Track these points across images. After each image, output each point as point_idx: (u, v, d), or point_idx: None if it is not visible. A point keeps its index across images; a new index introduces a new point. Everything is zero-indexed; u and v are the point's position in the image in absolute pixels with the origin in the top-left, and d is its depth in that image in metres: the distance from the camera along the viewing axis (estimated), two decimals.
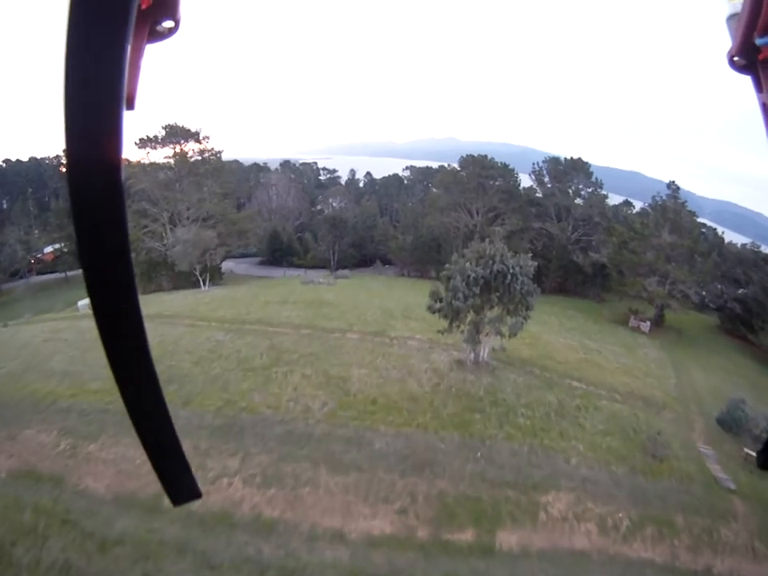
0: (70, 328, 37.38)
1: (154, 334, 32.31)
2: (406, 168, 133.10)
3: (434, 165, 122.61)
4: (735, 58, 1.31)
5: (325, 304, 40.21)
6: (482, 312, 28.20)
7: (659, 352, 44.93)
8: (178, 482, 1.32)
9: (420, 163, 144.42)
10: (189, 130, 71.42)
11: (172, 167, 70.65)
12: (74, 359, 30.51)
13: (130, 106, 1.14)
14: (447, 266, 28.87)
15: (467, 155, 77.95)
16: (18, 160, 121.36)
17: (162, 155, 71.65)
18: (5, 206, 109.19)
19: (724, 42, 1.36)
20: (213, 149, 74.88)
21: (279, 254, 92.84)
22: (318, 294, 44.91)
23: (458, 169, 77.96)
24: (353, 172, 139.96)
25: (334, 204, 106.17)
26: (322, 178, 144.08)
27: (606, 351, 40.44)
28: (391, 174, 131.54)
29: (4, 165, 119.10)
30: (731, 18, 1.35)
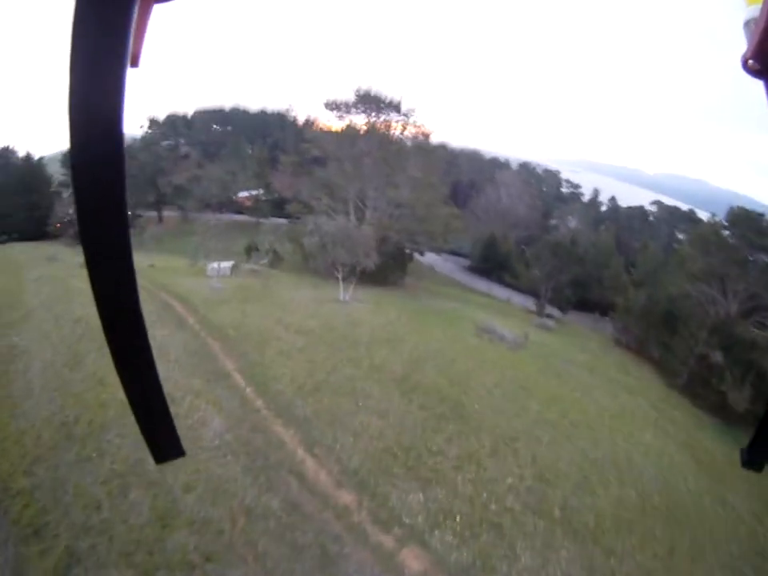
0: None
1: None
2: (653, 203, 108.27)
3: (683, 207, 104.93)
4: (750, 62, 1.26)
5: (465, 421, 19.97)
6: None
7: None
8: (162, 439, 1.28)
9: (667, 200, 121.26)
10: (383, 99, 55.03)
11: (356, 138, 54.72)
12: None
13: (135, 64, 1.21)
14: None
15: (737, 207, 52.91)
16: (244, 109, 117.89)
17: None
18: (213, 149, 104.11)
19: None
20: (420, 126, 57.63)
21: (491, 264, 75.23)
22: (478, 372, 25.52)
23: (724, 224, 52.56)
24: (596, 192, 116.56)
25: (570, 224, 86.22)
26: (563, 190, 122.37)
27: None
28: (635, 205, 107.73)
29: (229, 110, 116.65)
30: (748, 22, 1.29)
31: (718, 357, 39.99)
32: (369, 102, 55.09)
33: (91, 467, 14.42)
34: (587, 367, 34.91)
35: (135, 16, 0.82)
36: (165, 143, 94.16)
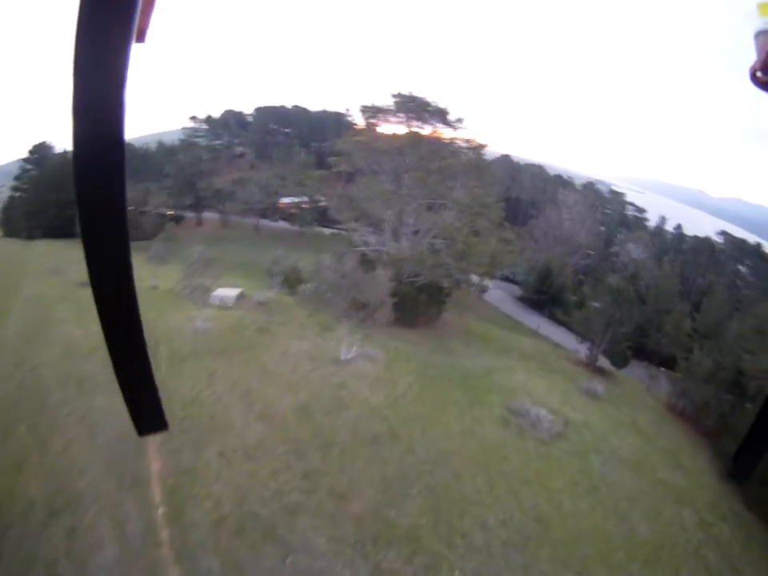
0: None
1: None
2: (720, 233, 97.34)
3: (749, 238, 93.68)
4: (758, 74, 1.31)
5: None
6: None
7: None
8: (146, 412, 1.28)
9: (731, 227, 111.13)
10: (428, 104, 46.76)
11: (391, 151, 46.12)
12: None
13: (141, 39, 1.20)
14: None
15: None
16: (305, 108, 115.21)
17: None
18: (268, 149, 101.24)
19: None
20: (472, 140, 49.16)
21: (544, 296, 66.79)
22: None
23: None
24: (663, 219, 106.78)
25: (632, 253, 77.60)
26: (627, 213, 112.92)
27: None
28: (701, 235, 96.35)
29: (295, 108, 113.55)
30: (759, 34, 1.32)
31: None
32: (410, 108, 47.42)
33: None
34: (632, 464, 27.47)
35: None
36: (217, 142, 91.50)
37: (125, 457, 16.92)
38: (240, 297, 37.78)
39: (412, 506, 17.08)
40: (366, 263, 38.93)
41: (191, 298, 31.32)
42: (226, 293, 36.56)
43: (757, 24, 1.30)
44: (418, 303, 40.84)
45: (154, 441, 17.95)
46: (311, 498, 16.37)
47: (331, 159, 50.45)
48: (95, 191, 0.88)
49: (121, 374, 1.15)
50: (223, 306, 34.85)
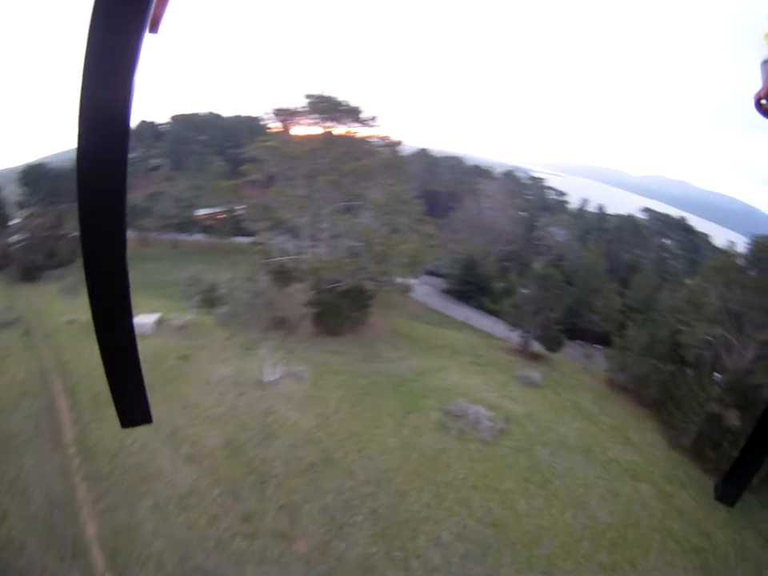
0: None
1: None
2: (643, 210, 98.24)
3: (672, 213, 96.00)
4: (762, 101, 1.34)
5: None
6: None
7: None
8: (132, 405, 1.30)
9: (652, 204, 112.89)
10: (339, 103, 45.65)
11: (303, 155, 44.10)
12: None
13: (154, 29, 1.24)
14: None
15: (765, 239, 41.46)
16: (217, 114, 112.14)
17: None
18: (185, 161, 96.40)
19: None
20: (387, 137, 48.59)
21: (470, 288, 65.40)
22: None
23: (757, 253, 40.79)
24: (584, 201, 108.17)
25: (556, 237, 78.15)
26: (549, 198, 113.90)
27: None
28: (624, 212, 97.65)
29: (209, 115, 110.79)
30: (766, 63, 1.34)
31: (734, 418, 31.67)
32: (323, 109, 46.09)
33: None
34: (582, 448, 27.25)
35: None
36: (132, 155, 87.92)
37: (60, 522, 15.70)
38: (159, 322, 35.73)
39: (360, 534, 16.06)
40: (282, 276, 37.81)
41: None
42: (144, 320, 34.50)
43: (763, 54, 1.30)
44: (340, 310, 39.65)
45: (89, 494, 16.91)
46: (255, 542, 15.27)
47: (244, 167, 48.47)
48: (97, 178, 0.89)
49: (109, 367, 1.13)
50: (141, 334, 32.75)
